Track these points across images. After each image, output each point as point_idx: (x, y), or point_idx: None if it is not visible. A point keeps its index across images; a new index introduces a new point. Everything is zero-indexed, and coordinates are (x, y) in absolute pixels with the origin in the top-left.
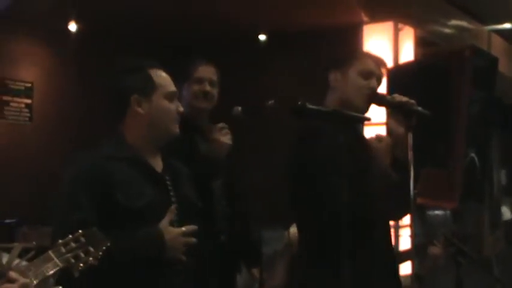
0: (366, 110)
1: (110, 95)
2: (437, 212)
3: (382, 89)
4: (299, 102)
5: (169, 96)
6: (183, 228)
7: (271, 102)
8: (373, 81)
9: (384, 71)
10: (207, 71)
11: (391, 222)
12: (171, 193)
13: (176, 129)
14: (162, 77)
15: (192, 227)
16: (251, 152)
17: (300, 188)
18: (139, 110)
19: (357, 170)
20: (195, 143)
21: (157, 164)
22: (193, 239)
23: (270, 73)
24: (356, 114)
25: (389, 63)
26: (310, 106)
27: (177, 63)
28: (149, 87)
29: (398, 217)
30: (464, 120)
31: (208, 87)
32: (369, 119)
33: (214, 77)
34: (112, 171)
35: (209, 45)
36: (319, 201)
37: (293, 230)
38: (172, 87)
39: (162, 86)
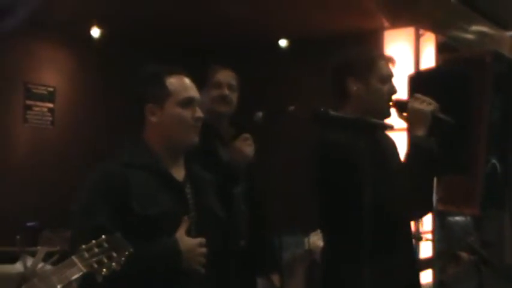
0: (389, 116)
1: (131, 103)
2: (458, 218)
3: (403, 95)
4: (321, 109)
5: (184, 103)
6: (200, 239)
7: (292, 108)
8: (392, 85)
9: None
10: (225, 75)
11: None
12: (190, 202)
13: (193, 137)
14: (177, 83)
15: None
16: (271, 158)
17: (326, 196)
18: (153, 119)
19: (380, 175)
20: (214, 148)
21: (179, 172)
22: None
23: (291, 79)
24: (380, 121)
25: (410, 69)
26: (333, 113)
27: (197, 68)
28: (162, 95)
29: (420, 214)
30: (486, 127)
31: (227, 91)
32: (392, 127)
33: (234, 82)
34: (130, 178)
35: (229, 50)
36: (345, 207)
37: (313, 238)
38: (187, 93)
39: (175, 93)
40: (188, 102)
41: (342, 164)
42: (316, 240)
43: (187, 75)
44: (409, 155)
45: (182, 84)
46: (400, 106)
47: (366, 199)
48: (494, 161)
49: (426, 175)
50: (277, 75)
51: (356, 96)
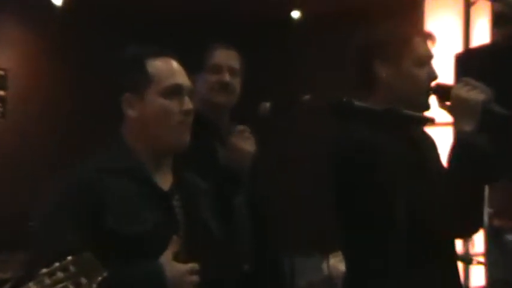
0: (428, 108)
1: (106, 92)
2: None
3: (448, 79)
4: (343, 99)
5: (168, 92)
6: (191, 265)
7: (306, 97)
8: (431, 67)
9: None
10: (226, 57)
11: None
12: (179, 217)
13: (181, 136)
14: (161, 67)
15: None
16: (281, 160)
17: (349, 208)
18: (131, 112)
19: (417, 182)
20: (212, 149)
21: (165, 179)
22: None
23: (305, 61)
24: (417, 114)
25: (458, 47)
26: (359, 104)
27: (189, 47)
28: (141, 82)
29: (467, 232)
30: None
31: (227, 77)
32: (433, 120)
33: (236, 64)
34: (105, 187)
35: (230, 25)
36: (373, 222)
37: (333, 261)
38: (173, 80)
39: (158, 79)
40: (174, 91)
41: (369, 168)
42: (337, 263)
43: (176, 57)
44: (453, 156)
45: (168, 68)
46: (443, 94)
47: (398, 213)
48: None
49: (475, 182)
50: (288, 57)
51: (385, 83)
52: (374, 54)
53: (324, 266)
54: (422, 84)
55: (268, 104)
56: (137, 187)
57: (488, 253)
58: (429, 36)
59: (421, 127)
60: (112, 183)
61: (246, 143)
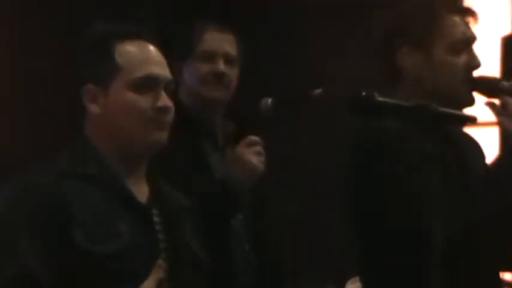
0: (470, 103)
1: (70, 83)
2: None
3: (493, 68)
4: (363, 93)
5: (139, 85)
6: None
7: (318, 91)
8: (472, 53)
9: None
10: (220, 41)
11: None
12: (160, 236)
13: (153, 137)
14: (132, 53)
15: None
16: (287, 168)
17: (370, 228)
18: (94, 108)
19: (456, 197)
20: (203, 155)
21: (140, 190)
22: None
23: (316, 46)
24: (455, 111)
25: (506, 29)
26: (381, 99)
27: (175, 29)
28: (106, 71)
29: None
30: None
31: (222, 67)
32: (474, 119)
33: (233, 51)
34: (71, 195)
35: (224, 2)
36: (400, 245)
37: (353, 286)
38: (145, 70)
39: (126, 68)
40: (147, 84)
41: (395, 179)
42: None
43: (155, 40)
44: (504, 166)
45: (140, 54)
46: (488, 88)
47: (433, 235)
48: None
49: None
50: (296, 40)
51: (413, 75)
52: (397, 39)
53: None
54: (459, 76)
55: (270, 100)
56: (108, 196)
57: None
58: (469, 14)
59: (461, 128)
60: (79, 190)
61: (255, 158)
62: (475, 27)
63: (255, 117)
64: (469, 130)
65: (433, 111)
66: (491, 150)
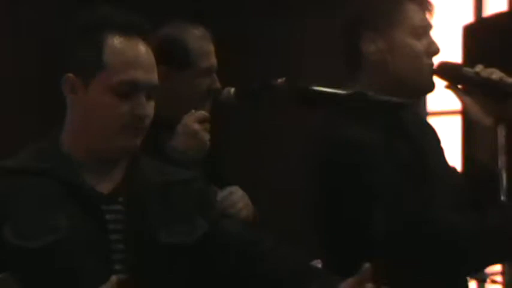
0: (430, 87)
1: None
2: None
3: (455, 58)
4: (298, 84)
5: (119, 89)
6: None
7: (280, 80)
8: (431, 39)
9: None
10: (212, 55)
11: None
12: (112, 226)
13: (128, 142)
14: (121, 54)
15: None
16: (249, 158)
17: (332, 217)
18: (72, 98)
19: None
20: (160, 142)
21: (105, 183)
22: None
23: (278, 35)
24: (391, 98)
25: (468, 17)
26: (316, 89)
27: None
28: (90, 65)
29: (482, 265)
30: None
31: (218, 82)
32: (408, 104)
33: (215, 60)
34: (12, 193)
35: None
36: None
37: None
38: (129, 75)
39: (111, 68)
40: (129, 88)
41: (348, 171)
42: None
43: (148, 38)
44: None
45: (129, 55)
46: (450, 73)
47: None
48: None
49: None
50: (259, 29)
51: (376, 60)
52: (360, 26)
53: None
54: (421, 59)
55: (232, 89)
56: (54, 188)
57: (506, 271)
58: (425, 4)
59: (410, 114)
60: (26, 187)
61: (204, 133)
62: (432, 17)
63: (217, 106)
64: (432, 119)
65: (370, 98)
66: (454, 139)
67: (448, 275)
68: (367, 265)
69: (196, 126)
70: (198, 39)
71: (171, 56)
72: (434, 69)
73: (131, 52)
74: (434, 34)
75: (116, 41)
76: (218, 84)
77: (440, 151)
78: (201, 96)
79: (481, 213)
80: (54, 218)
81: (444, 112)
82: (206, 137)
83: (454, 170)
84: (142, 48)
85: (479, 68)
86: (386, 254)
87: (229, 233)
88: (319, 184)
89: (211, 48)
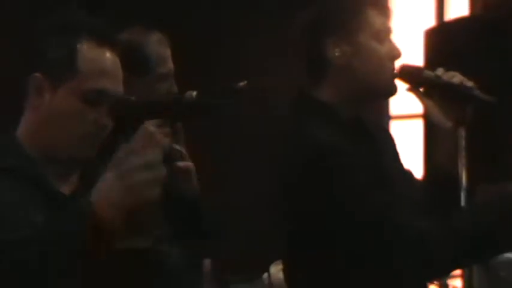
0: (393, 91)
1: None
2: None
3: (416, 61)
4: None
5: (88, 96)
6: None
7: (242, 84)
8: (392, 43)
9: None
10: (165, 52)
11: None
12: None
13: (86, 152)
14: (95, 61)
15: None
16: (211, 163)
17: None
18: (36, 97)
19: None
20: (117, 144)
21: (67, 182)
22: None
23: (240, 38)
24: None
25: (430, 21)
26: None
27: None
28: (63, 69)
29: (432, 272)
30: None
31: (175, 87)
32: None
33: (171, 63)
34: None
35: None
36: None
37: (275, 270)
38: (99, 83)
39: (84, 75)
40: (97, 97)
41: (316, 173)
42: (279, 272)
43: (117, 48)
44: (498, 213)
45: (102, 63)
46: (411, 76)
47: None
48: None
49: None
50: (219, 33)
51: (342, 64)
52: (323, 32)
53: (264, 277)
54: (384, 63)
55: (194, 93)
56: (18, 188)
57: (467, 275)
58: (385, 9)
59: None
60: None
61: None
62: (391, 22)
63: (179, 110)
64: (394, 123)
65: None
66: (416, 142)
67: (412, 280)
68: None
69: (153, 128)
70: (156, 45)
71: (131, 63)
72: (396, 73)
73: (104, 61)
74: (395, 38)
75: (90, 48)
76: (176, 89)
77: (396, 154)
78: None
79: (446, 217)
80: (31, 213)
81: (407, 116)
82: (162, 140)
83: (410, 174)
84: (113, 58)
85: (440, 71)
86: (351, 257)
87: None
88: (287, 186)
89: (168, 53)
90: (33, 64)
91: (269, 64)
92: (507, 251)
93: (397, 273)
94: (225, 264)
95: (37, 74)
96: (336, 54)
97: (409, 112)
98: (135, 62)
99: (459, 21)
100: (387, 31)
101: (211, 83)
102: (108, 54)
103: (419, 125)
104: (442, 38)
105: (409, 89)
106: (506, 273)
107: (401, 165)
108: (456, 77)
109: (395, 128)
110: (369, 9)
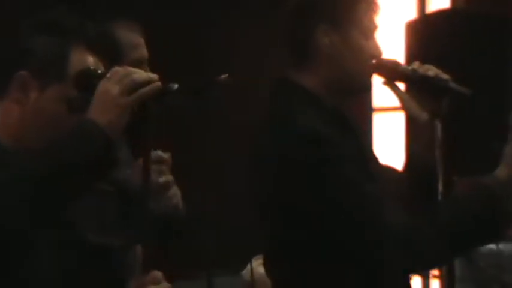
0: (368, 88)
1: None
2: (490, 247)
3: (397, 54)
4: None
5: (72, 101)
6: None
7: (224, 77)
8: (375, 42)
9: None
10: (142, 45)
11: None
12: None
13: None
14: (82, 66)
15: None
16: (194, 158)
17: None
18: (19, 96)
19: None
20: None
21: None
22: None
23: (223, 29)
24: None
25: (410, 13)
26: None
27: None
28: (53, 71)
29: (421, 267)
30: None
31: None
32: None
33: (146, 52)
34: None
35: None
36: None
37: (258, 262)
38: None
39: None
40: (80, 101)
41: (302, 166)
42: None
43: (98, 51)
44: (479, 206)
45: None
46: (388, 71)
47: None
48: None
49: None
50: (201, 23)
51: (328, 52)
52: (315, 17)
53: (246, 270)
54: (366, 60)
55: (175, 86)
56: None
57: (452, 267)
58: (374, 5)
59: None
60: None
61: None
62: (377, 18)
63: (160, 105)
64: (377, 115)
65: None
66: (399, 135)
67: (397, 274)
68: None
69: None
70: (126, 31)
71: (104, 50)
72: (372, 66)
73: (88, 64)
74: (377, 32)
75: (80, 53)
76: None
77: (371, 148)
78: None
79: (426, 209)
80: None
81: (389, 108)
82: (157, 178)
83: (387, 167)
84: (93, 61)
85: (415, 64)
86: (335, 252)
87: None
88: (270, 179)
89: (140, 40)
90: (18, 62)
91: (259, 59)
92: (488, 243)
93: (385, 268)
94: (207, 258)
95: (24, 72)
96: (325, 42)
97: (392, 105)
98: (104, 47)
99: (441, 14)
100: (374, 28)
101: (194, 75)
102: (90, 57)
103: (401, 118)
104: (424, 31)
105: (385, 83)
106: (486, 263)
107: (377, 158)
108: (431, 70)
109: (378, 121)
110: (361, 4)
